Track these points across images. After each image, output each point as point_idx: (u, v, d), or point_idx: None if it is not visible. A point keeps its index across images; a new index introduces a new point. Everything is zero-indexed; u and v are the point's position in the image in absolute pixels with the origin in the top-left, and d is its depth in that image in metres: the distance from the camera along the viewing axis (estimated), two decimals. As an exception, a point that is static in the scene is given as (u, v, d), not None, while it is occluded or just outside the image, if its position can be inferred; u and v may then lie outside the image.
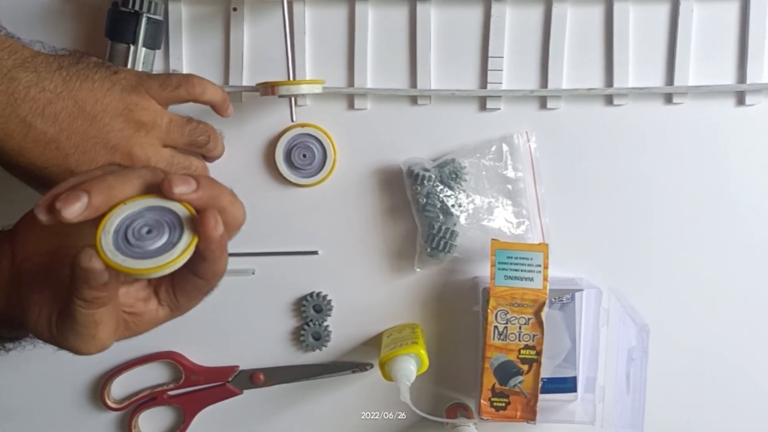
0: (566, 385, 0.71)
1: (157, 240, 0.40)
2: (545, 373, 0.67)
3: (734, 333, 0.72)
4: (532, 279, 0.65)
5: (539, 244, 0.67)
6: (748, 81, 0.68)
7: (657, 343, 0.63)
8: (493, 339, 0.65)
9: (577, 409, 0.71)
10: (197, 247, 0.41)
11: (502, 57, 0.68)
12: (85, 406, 0.75)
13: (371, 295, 0.73)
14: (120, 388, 0.75)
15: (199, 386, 0.74)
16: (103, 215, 0.40)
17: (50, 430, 0.75)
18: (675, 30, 0.67)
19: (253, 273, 0.72)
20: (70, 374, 0.74)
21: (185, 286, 0.45)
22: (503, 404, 0.66)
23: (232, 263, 0.71)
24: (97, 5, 0.67)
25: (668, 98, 0.69)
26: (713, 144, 0.69)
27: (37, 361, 0.73)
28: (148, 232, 0.40)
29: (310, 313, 0.72)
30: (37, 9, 0.68)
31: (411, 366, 0.66)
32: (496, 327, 0.65)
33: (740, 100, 0.69)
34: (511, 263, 0.65)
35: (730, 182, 0.70)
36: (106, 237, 0.40)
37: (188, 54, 0.69)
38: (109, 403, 0.73)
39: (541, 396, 0.66)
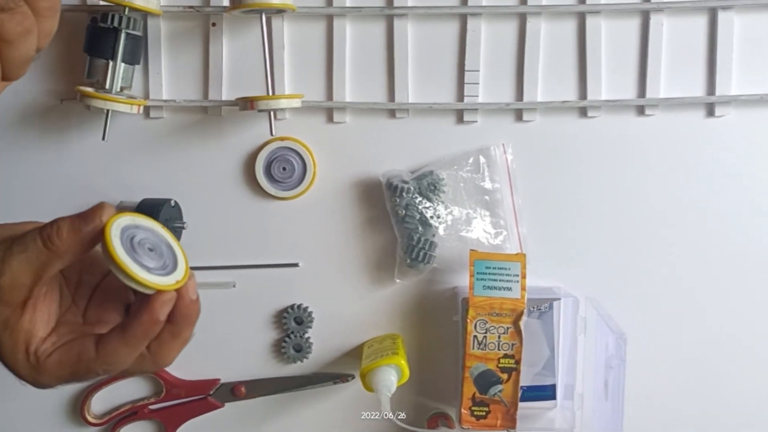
0: (545, 392, 0.72)
1: (158, 259, 0.40)
2: (524, 381, 0.68)
3: (711, 339, 0.73)
4: (510, 288, 0.66)
5: (517, 254, 0.68)
6: (717, 93, 0.69)
7: (634, 350, 0.64)
8: (473, 348, 0.66)
9: (557, 417, 0.72)
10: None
11: (479, 71, 0.69)
12: (65, 422, 0.74)
13: (352, 306, 0.73)
14: (100, 402, 0.74)
15: (180, 400, 0.73)
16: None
17: (29, 446, 0.74)
18: (646, 43, 0.69)
19: (234, 286, 0.72)
20: (49, 390, 0.73)
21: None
22: (483, 413, 0.67)
23: (213, 276, 0.73)
24: (76, 21, 0.68)
25: (640, 110, 0.70)
26: (684, 154, 0.71)
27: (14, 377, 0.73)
28: (150, 249, 0.40)
29: (291, 325, 0.73)
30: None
31: (392, 376, 0.66)
32: (475, 336, 0.66)
33: (710, 111, 0.70)
34: (489, 273, 0.66)
35: (701, 191, 0.71)
36: (117, 243, 0.39)
37: (167, 69, 0.70)
38: (89, 418, 0.73)
39: (520, 404, 0.66)
